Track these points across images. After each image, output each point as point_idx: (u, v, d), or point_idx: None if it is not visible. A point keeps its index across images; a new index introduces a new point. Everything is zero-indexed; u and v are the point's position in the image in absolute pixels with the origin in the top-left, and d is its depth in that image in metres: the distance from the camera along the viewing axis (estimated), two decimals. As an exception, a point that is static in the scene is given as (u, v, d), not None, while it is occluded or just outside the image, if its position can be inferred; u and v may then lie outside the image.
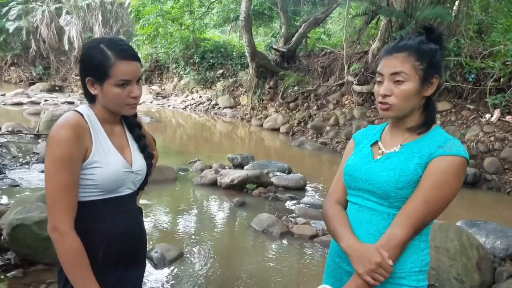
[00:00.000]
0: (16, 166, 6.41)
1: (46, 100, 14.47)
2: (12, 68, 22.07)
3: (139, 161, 1.53)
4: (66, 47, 19.90)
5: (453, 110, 8.46)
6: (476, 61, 8.10)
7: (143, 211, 1.67)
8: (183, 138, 11.02)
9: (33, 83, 20.17)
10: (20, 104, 13.88)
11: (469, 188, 6.54)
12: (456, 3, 9.58)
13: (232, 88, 14.56)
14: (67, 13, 19.89)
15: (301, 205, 5.44)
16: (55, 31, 20.13)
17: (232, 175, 5.91)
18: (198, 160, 7.37)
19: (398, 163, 1.35)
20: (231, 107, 13.95)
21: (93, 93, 1.43)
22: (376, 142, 1.48)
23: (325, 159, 8.83)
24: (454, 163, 1.29)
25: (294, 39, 13.22)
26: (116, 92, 1.39)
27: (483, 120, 7.79)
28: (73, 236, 1.34)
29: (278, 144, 10.51)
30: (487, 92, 7.89)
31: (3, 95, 15.12)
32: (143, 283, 1.68)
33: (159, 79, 18.14)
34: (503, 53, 7.68)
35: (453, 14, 9.24)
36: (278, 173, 6.49)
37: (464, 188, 6.28)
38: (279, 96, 12.35)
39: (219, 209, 5.44)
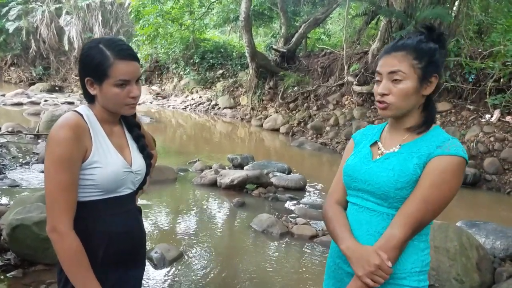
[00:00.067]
0: (16, 166, 6.41)
1: (46, 101, 14.47)
2: (12, 68, 22.07)
3: (138, 161, 1.53)
4: (66, 48, 19.92)
5: (453, 110, 8.46)
6: (476, 62, 8.10)
7: (143, 211, 1.67)
8: (183, 139, 11.02)
9: (33, 83, 20.17)
10: (20, 104, 13.88)
11: (469, 189, 6.55)
12: (456, 3, 9.58)
13: (232, 89, 14.56)
14: (67, 13, 19.90)
15: (301, 205, 5.44)
16: (55, 31, 20.14)
17: (232, 176, 5.91)
18: (198, 160, 7.38)
19: (397, 164, 1.35)
20: (231, 108, 13.95)
21: (92, 93, 1.43)
22: (375, 142, 1.48)
23: (325, 160, 8.83)
24: (452, 163, 1.29)
25: (294, 39, 13.23)
26: (115, 92, 1.39)
27: (483, 120, 7.79)
28: (72, 236, 1.34)
29: (278, 144, 10.51)
30: (487, 93, 7.89)
31: (3, 95, 15.12)
32: (143, 284, 1.68)
33: (159, 79, 18.14)
34: (503, 54, 7.69)
35: (453, 14, 9.24)
36: (278, 174, 6.49)
37: (464, 189, 6.28)
38: (279, 97, 12.35)
39: (219, 209, 5.44)
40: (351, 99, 10.65)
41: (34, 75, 21.35)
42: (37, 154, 7.00)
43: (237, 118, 13.15)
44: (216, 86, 15.12)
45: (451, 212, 4.86)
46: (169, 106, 15.57)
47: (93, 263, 1.39)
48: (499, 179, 6.78)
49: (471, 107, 8.22)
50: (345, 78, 10.87)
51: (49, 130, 1.39)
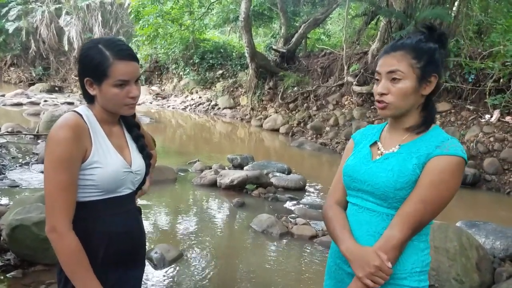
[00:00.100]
0: (16, 166, 6.41)
1: (45, 101, 14.46)
2: (12, 68, 22.06)
3: (138, 161, 1.53)
4: (66, 48, 19.91)
5: (452, 110, 8.46)
6: (475, 62, 8.11)
7: (143, 211, 1.67)
8: (183, 139, 11.02)
9: (33, 84, 20.16)
10: (19, 104, 13.87)
11: (468, 189, 6.55)
12: (456, 3, 9.59)
13: (231, 89, 14.56)
14: (67, 13, 19.90)
15: (301, 205, 5.44)
16: (54, 32, 20.13)
17: (231, 176, 5.91)
18: (198, 160, 7.38)
19: (397, 164, 1.35)
20: (230, 108, 13.95)
21: (91, 94, 1.43)
22: (375, 143, 1.48)
23: (324, 160, 8.83)
24: (451, 163, 1.29)
25: (293, 39, 13.23)
26: (115, 93, 1.39)
27: (483, 120, 7.79)
28: (71, 236, 1.34)
29: (277, 144, 10.51)
30: (487, 93, 7.90)
31: (3, 95, 15.10)
32: (142, 284, 1.68)
33: (159, 79, 18.14)
34: (503, 54, 7.69)
35: (453, 14, 9.25)
36: (277, 174, 6.49)
37: (463, 189, 6.29)
38: (279, 97, 12.35)
39: (218, 209, 5.43)
40: (351, 99, 10.66)
41: (34, 75, 21.34)
42: (37, 154, 7.00)
43: (237, 118, 13.15)
44: (216, 87, 15.12)
45: (451, 212, 4.87)
46: (168, 106, 15.57)
47: (93, 263, 1.39)
48: (498, 179, 6.78)
49: (471, 107, 8.23)
50: (345, 78, 10.88)
51: (49, 130, 1.39)
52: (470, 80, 8.32)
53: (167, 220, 4.91)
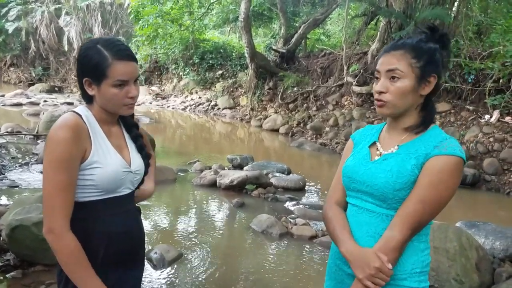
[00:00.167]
0: (16, 167, 6.41)
1: (45, 101, 14.46)
2: (12, 68, 22.05)
3: (137, 161, 1.54)
4: (66, 48, 19.91)
5: (452, 111, 8.47)
6: (475, 62, 8.11)
7: (142, 211, 1.67)
8: (183, 139, 11.02)
9: (33, 84, 20.15)
10: (19, 104, 13.87)
11: (468, 189, 6.55)
12: (456, 4, 9.60)
13: (231, 89, 14.57)
14: (67, 14, 19.90)
15: (301, 205, 5.44)
16: (54, 32, 20.13)
17: (231, 176, 5.91)
18: (198, 160, 7.38)
19: (395, 164, 1.35)
20: (230, 108, 13.96)
21: (90, 94, 1.43)
22: (374, 143, 1.48)
23: (324, 160, 8.83)
24: (449, 163, 1.29)
25: (293, 40, 13.24)
26: (114, 93, 1.39)
27: (483, 121, 7.80)
28: (69, 236, 1.34)
29: (277, 144, 10.51)
30: (487, 93, 7.90)
31: (3, 95, 15.10)
32: (142, 284, 1.68)
33: (159, 79, 18.15)
34: (502, 54, 7.70)
35: (453, 15, 9.25)
36: (277, 174, 6.49)
37: (463, 189, 6.29)
38: (279, 97, 12.36)
39: (218, 210, 5.43)
40: (351, 100, 10.66)
41: (34, 75, 21.34)
42: (37, 154, 7.00)
43: (237, 119, 13.15)
44: (215, 87, 15.12)
45: (451, 213, 4.87)
46: (168, 106, 15.57)
47: (93, 264, 1.39)
48: (498, 179, 6.79)
49: (471, 108, 8.23)
50: (345, 78, 10.88)
51: (49, 130, 1.38)
52: (469, 80, 8.33)
53: (166, 220, 4.91)
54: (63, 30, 19.80)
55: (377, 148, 1.45)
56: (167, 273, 3.56)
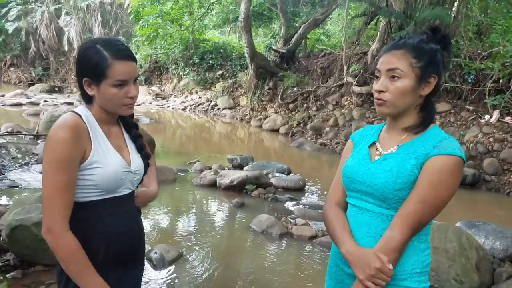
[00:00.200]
0: (15, 167, 6.41)
1: (45, 101, 14.46)
2: (12, 68, 22.05)
3: (136, 161, 1.54)
4: (66, 48, 19.91)
5: (452, 111, 8.47)
6: (475, 62, 8.12)
7: (142, 211, 1.67)
8: (183, 139, 11.02)
9: (33, 84, 20.15)
10: (19, 105, 13.87)
11: (468, 189, 6.55)
12: (455, 4, 9.59)
13: (231, 89, 14.57)
14: (67, 14, 19.90)
15: (301, 206, 5.44)
16: (54, 32, 20.13)
17: (231, 176, 5.91)
18: (198, 161, 7.37)
19: (395, 165, 1.35)
20: (230, 108, 13.96)
21: (90, 94, 1.43)
22: (373, 143, 1.48)
23: (324, 160, 8.83)
24: (449, 163, 1.28)
25: (293, 40, 13.24)
26: (113, 93, 1.40)
27: (482, 121, 7.80)
28: (68, 236, 1.34)
29: (277, 145, 10.51)
30: (486, 93, 7.90)
31: (3, 95, 15.10)
32: (142, 284, 1.68)
33: (159, 80, 18.14)
34: (502, 54, 7.70)
35: (452, 15, 9.25)
36: (277, 174, 6.49)
37: (463, 189, 6.29)
38: (279, 97, 12.36)
39: (218, 210, 5.43)
40: (351, 100, 10.66)
41: (34, 75, 21.34)
42: (37, 154, 7.00)
43: (237, 119, 13.15)
44: (215, 87, 15.12)
45: (451, 213, 4.87)
46: (168, 106, 15.57)
47: (93, 264, 1.39)
48: (498, 179, 6.79)
49: (471, 108, 8.23)
50: (345, 78, 10.88)
51: (49, 130, 1.38)
52: (469, 80, 8.33)
53: (166, 221, 4.91)
54: (63, 30, 19.80)
55: (376, 148, 1.45)
56: (167, 273, 3.56)
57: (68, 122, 1.36)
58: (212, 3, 15.32)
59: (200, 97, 15.43)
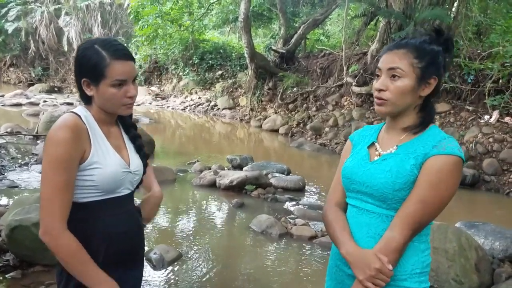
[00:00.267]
0: (15, 167, 6.40)
1: (45, 101, 14.46)
2: (11, 69, 22.05)
3: (136, 162, 1.54)
4: (65, 48, 19.91)
5: (452, 111, 8.47)
6: (475, 63, 8.12)
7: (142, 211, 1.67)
8: (182, 139, 11.02)
9: (32, 84, 20.15)
10: (19, 105, 13.86)
11: (467, 189, 6.55)
12: (455, 4, 9.60)
13: (231, 89, 14.57)
14: (66, 14, 19.90)
15: (300, 206, 5.44)
16: (54, 32, 20.13)
17: (231, 176, 5.91)
18: (197, 161, 7.37)
19: (394, 165, 1.35)
20: (230, 108, 13.96)
21: (89, 94, 1.43)
22: (373, 143, 1.47)
23: (324, 160, 8.84)
24: (448, 163, 1.28)
25: (293, 40, 13.24)
26: (112, 93, 1.40)
27: (482, 121, 7.80)
28: (67, 236, 1.34)
29: (277, 145, 10.51)
30: (486, 94, 7.91)
31: (2, 96, 15.09)
32: (142, 285, 1.68)
33: (158, 80, 18.14)
34: (502, 55, 7.70)
35: (452, 15, 9.26)
36: (277, 174, 6.49)
37: (462, 189, 6.29)
38: (278, 97, 12.36)
39: (218, 210, 5.43)
40: (350, 100, 10.67)
41: (33, 75, 21.34)
42: (36, 155, 6.99)
43: (236, 119, 13.15)
44: (215, 87, 15.12)
45: (450, 213, 4.87)
46: (168, 107, 15.57)
47: (94, 264, 1.39)
48: (498, 180, 6.79)
49: (470, 108, 8.24)
50: (344, 79, 10.89)
51: (48, 131, 1.38)
52: (469, 81, 8.33)
53: (166, 221, 4.91)
54: (62, 30, 19.80)
55: (376, 149, 1.45)
56: (167, 273, 3.56)
57: (67, 123, 1.36)
58: (212, 3, 15.33)
59: (199, 97, 15.43)
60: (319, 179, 6.97)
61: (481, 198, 6.52)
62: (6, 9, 19.41)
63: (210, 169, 6.69)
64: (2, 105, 13.67)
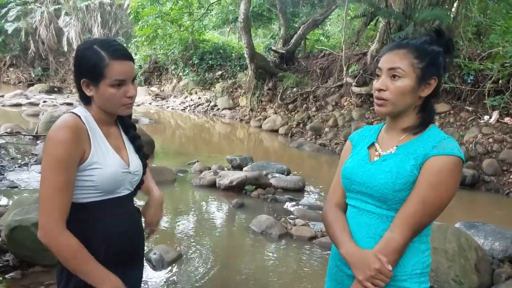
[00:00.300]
0: (15, 167, 6.40)
1: (45, 101, 14.46)
2: (11, 69, 22.05)
3: (135, 162, 1.54)
4: (65, 48, 19.91)
5: (451, 111, 8.47)
6: (474, 63, 8.12)
7: (142, 212, 1.67)
8: (182, 139, 11.02)
9: (32, 84, 20.15)
10: (19, 105, 13.86)
11: (467, 190, 6.55)
12: (455, 4, 9.60)
13: (231, 90, 14.57)
14: (66, 14, 19.90)
15: (300, 206, 5.44)
16: (54, 32, 20.14)
17: (231, 177, 5.91)
18: (197, 161, 7.37)
19: (394, 165, 1.35)
20: (230, 109, 13.96)
21: (88, 95, 1.43)
22: (372, 144, 1.47)
23: (323, 161, 8.83)
24: (448, 163, 1.28)
25: (293, 40, 13.24)
26: (112, 93, 1.40)
27: (482, 121, 7.80)
28: (66, 235, 1.34)
29: (277, 145, 10.51)
30: (486, 94, 7.91)
31: (2, 96, 15.09)
32: (141, 285, 1.68)
33: (158, 80, 18.14)
34: (502, 55, 7.70)
35: (452, 15, 9.26)
36: (277, 175, 6.49)
37: (462, 190, 6.29)
38: (278, 98, 12.36)
39: (218, 210, 5.43)
40: (350, 100, 10.67)
41: (33, 76, 21.34)
42: (36, 155, 6.99)
43: (236, 119, 13.15)
44: (215, 87, 15.12)
45: (450, 213, 4.87)
46: (168, 107, 15.57)
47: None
48: (497, 180, 6.79)
49: (470, 109, 8.24)
50: (344, 79, 10.89)
51: (48, 131, 1.39)
52: (469, 81, 8.33)
53: (166, 221, 4.90)
54: (62, 30, 19.80)
55: (375, 149, 1.45)
56: (166, 273, 3.56)
57: (67, 123, 1.36)
58: (212, 3, 15.34)
59: (199, 98, 15.43)
60: (319, 179, 6.97)
61: (481, 199, 6.52)
62: (6, 9, 19.42)
63: (210, 169, 6.69)
64: (2, 105, 13.67)
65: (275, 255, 4.12)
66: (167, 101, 16.22)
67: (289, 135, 10.83)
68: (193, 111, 14.72)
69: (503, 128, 7.43)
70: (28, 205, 3.60)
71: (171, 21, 14.88)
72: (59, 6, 20.06)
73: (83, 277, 1.37)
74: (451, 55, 1.40)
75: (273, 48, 13.65)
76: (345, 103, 10.82)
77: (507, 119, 7.55)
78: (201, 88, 15.72)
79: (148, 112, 14.33)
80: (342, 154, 1.58)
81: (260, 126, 11.81)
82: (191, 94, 15.97)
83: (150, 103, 16.03)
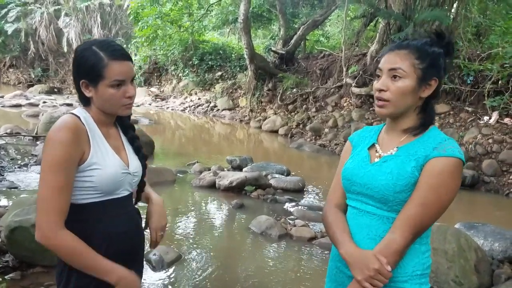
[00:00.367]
0: (15, 168, 6.40)
1: (44, 102, 14.46)
2: (11, 70, 22.05)
3: (135, 163, 1.54)
4: (65, 49, 19.91)
5: (451, 112, 8.47)
6: (474, 64, 8.13)
7: (142, 213, 1.67)
8: (182, 140, 11.02)
9: (32, 85, 20.15)
10: (18, 106, 13.86)
11: (467, 190, 6.55)
12: (455, 5, 9.60)
13: (231, 90, 14.57)
14: (66, 15, 19.90)
15: (300, 207, 5.44)
16: (54, 33, 20.14)
17: (230, 177, 5.91)
18: (197, 162, 7.37)
19: (395, 167, 1.34)
20: (230, 109, 13.96)
21: (87, 96, 1.43)
22: (373, 145, 1.47)
23: (323, 161, 8.83)
24: (449, 165, 1.28)
25: (292, 41, 13.24)
26: (111, 93, 1.40)
27: (482, 122, 7.80)
28: (63, 234, 1.34)
29: (276, 146, 10.51)
30: (485, 95, 7.91)
31: (2, 97, 15.09)
32: (141, 285, 1.68)
33: (158, 81, 18.14)
34: (501, 56, 7.71)
35: (451, 16, 9.26)
36: (276, 175, 6.49)
37: (462, 190, 6.29)
38: (278, 98, 12.36)
39: (217, 211, 5.43)
40: (350, 101, 10.67)
41: (33, 76, 21.34)
42: (36, 155, 6.99)
43: (236, 120, 13.15)
44: (215, 88, 15.13)
45: (450, 214, 4.86)
46: (168, 107, 15.57)
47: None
48: (497, 181, 6.79)
49: (470, 109, 8.24)
50: (344, 80, 10.89)
51: (48, 132, 1.39)
52: (468, 82, 8.34)
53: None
54: (62, 31, 19.80)
55: (376, 150, 1.45)
56: (166, 274, 3.56)
57: (67, 124, 1.36)
58: (212, 4, 15.34)
59: (199, 98, 15.43)
60: (319, 180, 6.97)
61: (481, 199, 6.52)
62: (5, 10, 19.42)
63: (210, 170, 6.69)
64: (1, 106, 13.66)
65: (275, 256, 4.12)
66: (167, 102, 16.22)
67: (289, 135, 10.83)
68: (193, 112, 14.72)
69: (502, 128, 7.43)
70: (28, 205, 3.60)
71: (171, 21, 14.88)
72: (59, 7, 20.06)
73: (88, 271, 1.37)
74: (451, 57, 1.41)
75: (273, 48, 13.66)
76: (345, 104, 10.83)
77: (506, 120, 7.55)
78: (201, 88, 15.72)
79: (148, 112, 14.33)
80: (342, 155, 1.58)
81: (260, 127, 11.81)
82: (191, 94, 15.97)
83: (150, 104, 16.03)
